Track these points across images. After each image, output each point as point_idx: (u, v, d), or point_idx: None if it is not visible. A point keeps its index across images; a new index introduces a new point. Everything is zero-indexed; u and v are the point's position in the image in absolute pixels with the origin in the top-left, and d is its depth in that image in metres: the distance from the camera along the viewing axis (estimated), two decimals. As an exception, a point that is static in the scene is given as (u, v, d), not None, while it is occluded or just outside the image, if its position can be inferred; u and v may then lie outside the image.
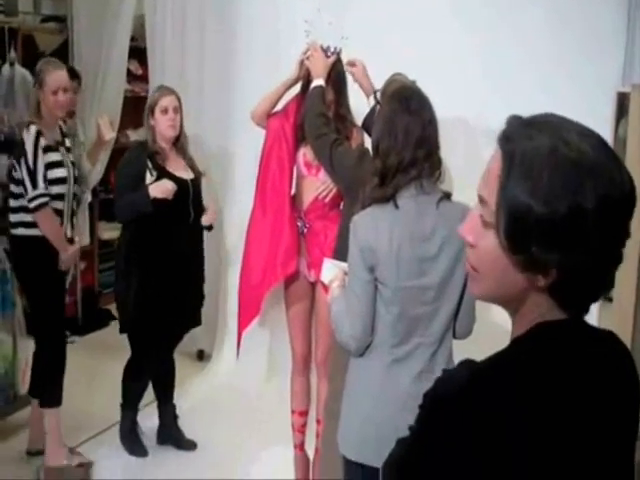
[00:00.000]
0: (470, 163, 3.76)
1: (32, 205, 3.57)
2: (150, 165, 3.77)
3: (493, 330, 3.47)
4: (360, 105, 3.46)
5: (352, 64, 3.44)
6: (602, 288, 1.11)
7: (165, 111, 3.81)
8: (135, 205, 3.72)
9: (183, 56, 5.12)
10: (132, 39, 5.68)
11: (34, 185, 3.55)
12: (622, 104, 3.42)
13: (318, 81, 3.37)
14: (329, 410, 3.03)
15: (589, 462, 1.08)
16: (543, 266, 1.06)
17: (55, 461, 3.74)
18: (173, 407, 4.16)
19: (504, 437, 1.03)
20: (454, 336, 2.46)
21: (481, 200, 1.13)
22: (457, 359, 2.41)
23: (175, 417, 4.15)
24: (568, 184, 1.02)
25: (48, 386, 3.75)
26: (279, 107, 3.65)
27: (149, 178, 3.75)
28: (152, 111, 3.84)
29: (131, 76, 5.80)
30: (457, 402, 1.06)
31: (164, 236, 3.76)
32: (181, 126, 3.91)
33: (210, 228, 4.05)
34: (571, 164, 1.02)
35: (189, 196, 3.86)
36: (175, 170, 3.86)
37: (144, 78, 5.61)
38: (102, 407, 4.21)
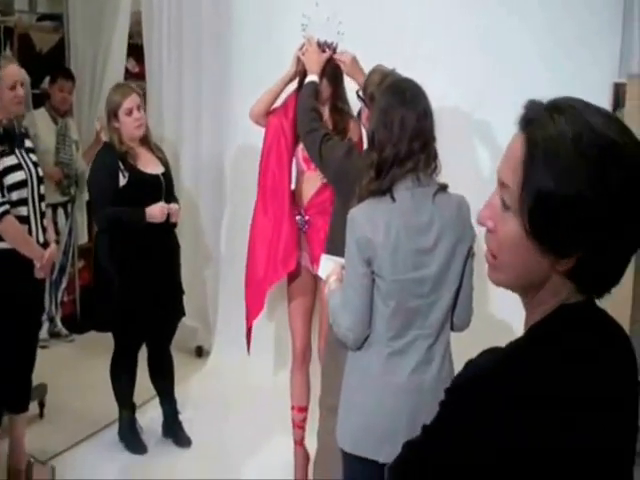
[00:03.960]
0: (466, 155, 3.77)
1: None
2: (121, 166, 3.72)
3: (491, 322, 3.51)
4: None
5: (341, 56, 3.42)
6: (622, 271, 1.10)
7: (130, 112, 3.75)
8: (127, 223, 3.72)
9: (180, 52, 5.12)
10: (129, 36, 5.66)
11: None
12: (618, 95, 3.41)
13: (311, 77, 3.37)
14: (324, 403, 3.04)
15: (605, 449, 1.08)
16: (566, 249, 1.06)
17: None
18: (174, 402, 4.16)
19: (533, 419, 1.02)
20: (452, 328, 2.46)
21: (502, 184, 1.12)
22: (455, 351, 2.43)
23: (176, 413, 4.16)
24: (593, 169, 1.02)
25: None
26: (277, 103, 3.64)
27: (122, 179, 3.72)
28: (115, 114, 3.76)
29: (128, 74, 5.78)
30: (485, 384, 1.06)
31: (142, 232, 3.74)
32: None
33: (174, 225, 3.98)
34: (596, 150, 1.02)
35: (162, 191, 3.84)
36: (146, 167, 3.83)
37: (141, 75, 5.59)
38: (101, 404, 4.20)
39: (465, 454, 1.05)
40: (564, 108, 1.07)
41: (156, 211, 3.74)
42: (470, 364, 1.14)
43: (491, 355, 1.12)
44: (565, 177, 1.03)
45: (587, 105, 1.08)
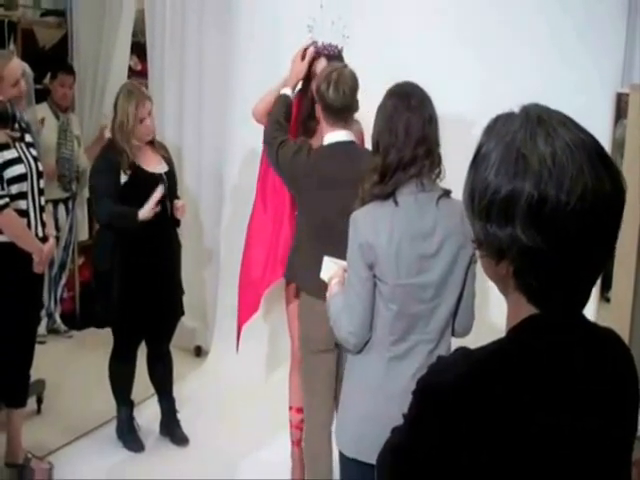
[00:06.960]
0: (467, 161, 3.76)
1: None
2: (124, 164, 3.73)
3: (492, 328, 3.50)
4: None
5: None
6: (570, 287, 1.10)
7: (142, 121, 3.75)
8: (121, 221, 3.72)
9: (182, 51, 5.12)
10: (132, 34, 5.67)
11: None
12: (620, 106, 3.41)
13: (285, 90, 3.42)
14: None
15: (585, 459, 1.09)
16: (498, 246, 1.09)
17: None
18: (172, 401, 4.17)
19: (498, 430, 1.05)
20: (453, 334, 2.47)
21: None
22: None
23: (174, 411, 4.17)
24: (512, 172, 1.06)
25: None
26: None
27: (123, 177, 3.72)
28: (127, 120, 3.72)
29: (130, 72, 5.79)
30: (454, 393, 1.08)
31: (143, 230, 3.73)
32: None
33: (178, 223, 4.01)
34: (519, 157, 1.06)
35: (165, 189, 3.84)
36: (148, 165, 3.83)
37: (143, 73, 5.59)
38: (99, 402, 4.20)
39: (435, 448, 1.08)
40: (511, 119, 1.12)
41: (146, 211, 3.69)
42: (442, 362, 1.17)
43: (465, 354, 1.14)
44: (490, 177, 1.09)
45: (540, 120, 1.09)
